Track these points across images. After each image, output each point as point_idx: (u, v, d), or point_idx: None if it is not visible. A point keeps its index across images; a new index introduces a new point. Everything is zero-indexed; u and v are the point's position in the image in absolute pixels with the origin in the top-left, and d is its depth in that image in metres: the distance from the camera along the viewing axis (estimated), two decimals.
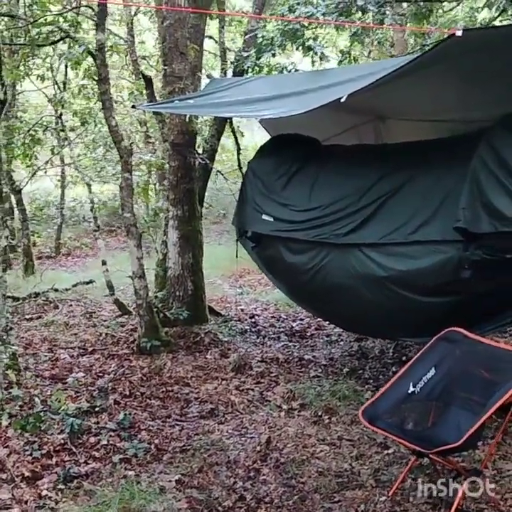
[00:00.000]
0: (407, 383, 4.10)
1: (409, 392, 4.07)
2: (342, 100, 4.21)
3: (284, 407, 5.40)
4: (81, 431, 4.79)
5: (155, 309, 6.98)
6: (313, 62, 6.78)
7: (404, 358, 6.61)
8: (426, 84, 4.94)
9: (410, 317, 4.84)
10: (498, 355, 4.03)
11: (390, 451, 4.56)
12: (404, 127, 6.51)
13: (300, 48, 6.63)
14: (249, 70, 7.41)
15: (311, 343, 7.32)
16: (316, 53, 6.58)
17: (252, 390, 5.82)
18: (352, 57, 7.21)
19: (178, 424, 5.13)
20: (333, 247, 5.15)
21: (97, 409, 5.25)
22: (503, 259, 4.16)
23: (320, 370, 6.29)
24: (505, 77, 4.35)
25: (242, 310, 8.80)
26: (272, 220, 5.65)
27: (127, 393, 5.67)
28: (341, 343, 7.30)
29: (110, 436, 4.81)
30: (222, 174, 7.90)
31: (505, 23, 7.10)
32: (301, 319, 8.28)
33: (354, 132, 6.97)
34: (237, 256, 6.43)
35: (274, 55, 6.96)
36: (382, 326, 5.19)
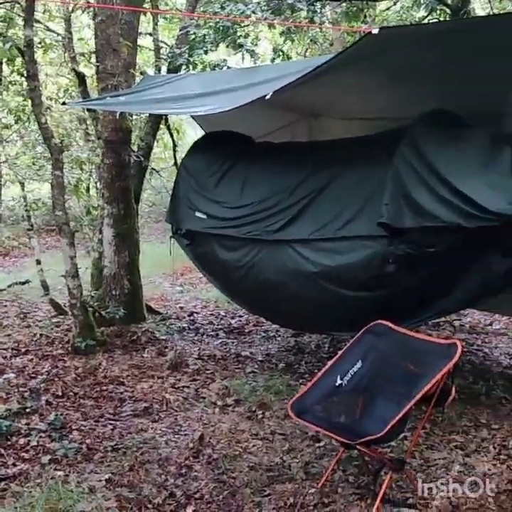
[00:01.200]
0: (335, 376, 4.16)
1: (337, 384, 4.14)
2: (267, 98, 4.25)
3: (219, 403, 5.41)
4: (10, 432, 4.70)
5: (90, 309, 6.90)
6: (243, 59, 6.80)
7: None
8: (354, 82, 5.03)
9: (341, 311, 4.91)
10: (422, 348, 4.12)
11: (321, 444, 4.62)
12: (335, 125, 6.60)
13: (231, 45, 6.64)
14: (183, 67, 7.39)
15: (249, 340, 7.36)
16: (247, 51, 6.61)
17: (188, 387, 5.81)
18: (285, 55, 7.27)
19: (110, 424, 5.08)
20: (264, 243, 5.19)
21: (27, 410, 5.15)
22: (427, 254, 4.26)
23: (256, 366, 6.32)
24: (427, 75, 4.45)
25: (181, 308, 8.79)
26: (205, 217, 5.65)
27: (60, 394, 5.58)
28: (278, 338, 7.35)
29: (40, 437, 4.73)
30: (158, 172, 7.86)
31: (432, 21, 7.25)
32: (240, 316, 8.31)
33: (289, 129, 7.02)
34: (170, 253, 6.40)
35: (206, 52, 6.96)
36: (316, 321, 5.26)
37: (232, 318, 8.28)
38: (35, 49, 6.23)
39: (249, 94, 4.79)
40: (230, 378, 5.94)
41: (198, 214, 5.70)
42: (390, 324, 4.21)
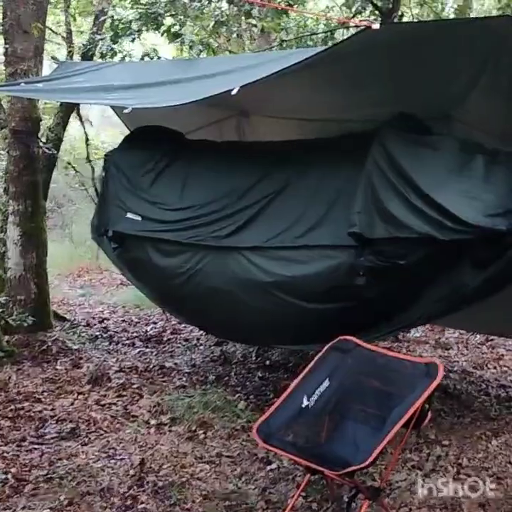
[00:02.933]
0: (301, 396, 3.86)
1: (304, 405, 3.83)
2: (233, 93, 3.89)
3: (153, 422, 4.97)
4: None
5: None
6: (182, 50, 6.35)
7: (267, 363, 6.47)
8: (300, 80, 4.74)
9: (296, 324, 4.61)
10: (389, 364, 3.90)
11: (273, 466, 4.33)
12: (269, 124, 6.31)
13: (165, 34, 6.18)
14: (103, 54, 6.83)
15: (169, 349, 6.93)
16: (183, 42, 6.17)
17: (115, 404, 5.31)
18: (212, 49, 6.91)
19: (36, 448, 4.52)
20: (210, 249, 4.80)
21: None
22: (395, 266, 4.06)
23: (184, 379, 5.92)
24: (392, 77, 4.27)
25: (88, 313, 8.18)
26: (139, 219, 5.18)
27: None
28: (201, 347, 6.98)
29: None
30: (73, 166, 7.23)
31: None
32: (155, 322, 7.86)
33: (215, 127, 6.66)
34: (97, 258, 5.85)
35: (133, 40, 6.46)
36: (264, 333, 4.92)
37: (146, 324, 7.81)
38: None
39: (202, 88, 4.41)
40: (160, 393, 5.50)
41: (130, 215, 5.22)
42: (357, 340, 3.96)
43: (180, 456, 4.43)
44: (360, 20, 6.19)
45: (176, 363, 6.36)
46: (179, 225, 4.96)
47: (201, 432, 4.78)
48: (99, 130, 14.24)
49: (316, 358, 4.03)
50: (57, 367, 6.14)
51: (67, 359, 6.34)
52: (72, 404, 5.30)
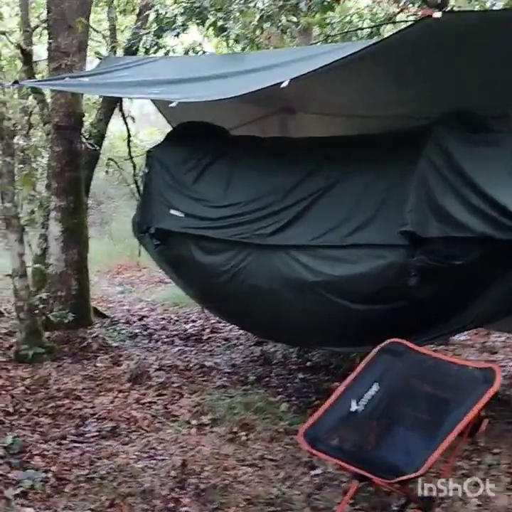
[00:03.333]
0: (349, 400, 3.72)
1: (352, 410, 3.69)
2: (283, 85, 3.77)
3: (194, 422, 4.88)
4: None
5: (36, 311, 6.20)
6: (228, 44, 6.26)
7: (308, 364, 6.34)
8: (349, 75, 4.60)
9: (342, 325, 4.48)
10: (442, 369, 3.75)
11: (318, 471, 4.20)
12: (314, 122, 6.20)
13: (210, 28, 6.10)
14: (147, 49, 6.77)
15: (209, 348, 6.85)
16: (228, 36, 6.07)
17: (155, 403, 5.24)
18: (256, 45, 6.80)
19: (76, 447, 4.46)
20: (254, 247, 4.70)
21: None
22: (449, 266, 3.90)
23: (225, 379, 5.83)
24: (450, 72, 4.11)
25: (127, 310, 8.15)
26: (182, 215, 5.10)
27: (11, 410, 4.91)
28: (241, 347, 6.88)
29: None
30: (116, 162, 7.20)
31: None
32: (194, 321, 7.79)
33: (258, 125, 6.56)
34: (139, 254, 5.79)
35: (178, 34, 6.39)
36: (308, 333, 4.80)
37: (186, 323, 7.74)
38: None
39: (249, 82, 4.31)
40: (200, 393, 5.42)
41: (173, 212, 5.15)
42: (407, 343, 3.82)
43: (222, 458, 4.33)
44: (413, 12, 6.00)
45: (215, 363, 6.27)
46: (223, 222, 4.87)
47: (243, 433, 4.68)
48: (137, 128, 14.20)
49: (364, 361, 3.89)
50: (97, 364, 6.10)
51: (107, 356, 6.30)
52: (112, 402, 5.24)
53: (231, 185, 4.93)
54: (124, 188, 16.16)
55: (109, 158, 7.20)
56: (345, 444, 3.63)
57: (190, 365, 6.15)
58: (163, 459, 4.32)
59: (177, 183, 5.18)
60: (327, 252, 4.38)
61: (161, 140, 5.67)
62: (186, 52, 6.80)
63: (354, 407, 3.71)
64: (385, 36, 3.88)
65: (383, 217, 4.17)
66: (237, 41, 6.04)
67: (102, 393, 5.42)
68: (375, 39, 7.18)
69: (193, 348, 6.78)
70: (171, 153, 5.36)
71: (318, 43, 7.43)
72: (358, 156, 4.48)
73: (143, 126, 15.90)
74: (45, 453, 4.29)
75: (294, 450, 4.42)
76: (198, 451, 4.41)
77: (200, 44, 6.69)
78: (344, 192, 4.41)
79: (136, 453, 4.39)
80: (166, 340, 7.05)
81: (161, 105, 6.50)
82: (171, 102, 4.50)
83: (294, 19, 7.37)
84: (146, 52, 6.84)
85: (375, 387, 3.77)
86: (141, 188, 5.74)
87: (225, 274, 4.91)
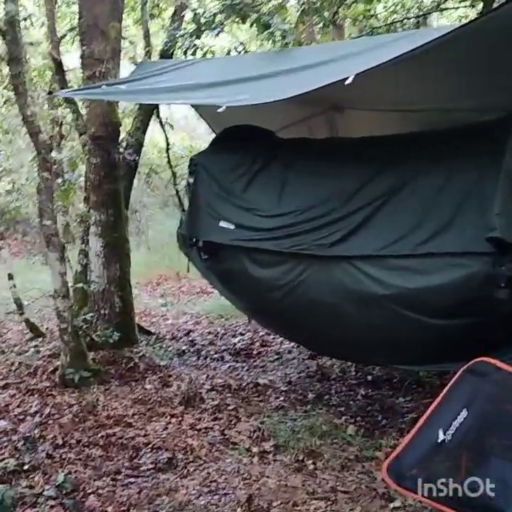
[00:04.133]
0: (436, 429, 3.33)
1: (439, 440, 3.31)
2: (347, 82, 3.39)
3: (255, 450, 4.52)
4: (13, 504, 3.71)
5: (80, 332, 5.90)
6: (273, 41, 5.88)
7: (369, 378, 5.94)
8: (405, 68, 4.17)
9: (415, 342, 4.07)
10: None
11: (397, 504, 3.80)
12: (365, 119, 5.79)
13: (254, 25, 5.74)
14: (185, 51, 6.44)
15: (261, 363, 6.49)
16: (272, 33, 5.70)
17: (211, 428, 4.90)
18: (298, 41, 6.41)
19: (132, 482, 4.13)
20: (314, 259, 4.32)
21: (26, 466, 4.20)
22: None
23: (282, 398, 5.46)
24: None
25: (172, 325, 7.82)
26: (232, 227, 4.75)
27: (60, 442, 4.62)
28: (294, 361, 6.51)
29: (51, 506, 3.77)
30: (157, 173, 6.88)
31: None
32: (242, 334, 7.43)
33: (304, 125, 6.20)
34: (188, 270, 5.44)
35: (218, 34, 6.05)
36: (373, 350, 4.40)
37: (233, 336, 7.39)
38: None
39: (307, 79, 3.93)
40: (258, 415, 5.05)
41: (222, 224, 4.80)
42: (496, 362, 3.40)
43: (290, 491, 3.96)
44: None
45: (270, 380, 5.90)
46: (278, 232, 4.50)
47: (310, 461, 4.31)
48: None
49: (449, 385, 3.49)
50: (146, 386, 5.78)
51: (156, 377, 5.98)
52: (165, 428, 4.91)
53: (285, 192, 4.56)
54: (158, 196, 16.00)
55: (151, 169, 6.87)
56: (434, 479, 3.25)
57: (244, 384, 5.80)
58: (226, 494, 3.97)
59: (225, 192, 4.84)
60: (398, 262, 3.97)
61: (206, 146, 5.31)
62: (228, 53, 6.44)
63: (441, 437, 3.32)
64: (467, 21, 3.45)
65: (461, 221, 3.75)
66: (283, 37, 5.66)
67: (154, 419, 5.10)
68: (422, 29, 6.76)
69: (244, 364, 6.42)
70: (217, 160, 5.02)
71: (363, 36, 7.01)
72: (426, 155, 4.07)
73: (174, 132, 15.66)
74: (100, 491, 3.98)
75: (368, 480, 4.05)
76: (263, 483, 4.06)
77: (242, 43, 6.32)
78: (413, 195, 3.99)
79: (197, 487, 4.05)
80: (215, 356, 6.70)
81: (203, 111, 6.18)
82: (218, 107, 4.12)
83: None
84: (184, 54, 6.51)
85: (463, 414, 3.37)
86: (186, 198, 5.40)
87: (281, 289, 4.54)
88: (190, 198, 5.09)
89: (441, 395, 3.47)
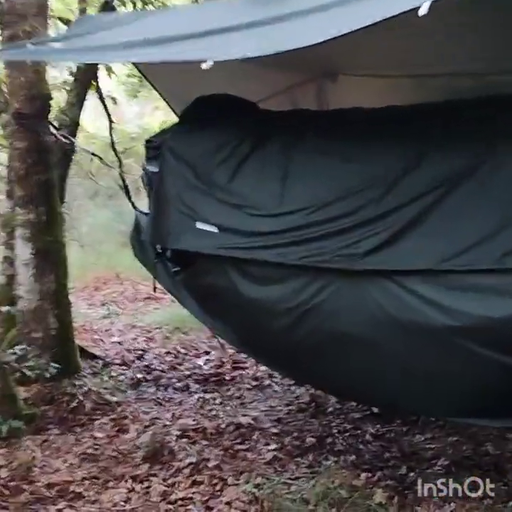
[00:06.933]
0: None
1: None
2: (421, 12, 2.17)
3: None
4: None
5: (6, 367, 4.55)
6: None
7: (375, 409, 4.81)
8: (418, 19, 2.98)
9: (497, 391, 2.91)
10: None
11: None
12: (364, 87, 4.66)
13: None
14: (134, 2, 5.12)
15: (237, 394, 5.28)
16: None
17: (190, 499, 3.67)
18: None
19: None
20: (338, 275, 3.11)
21: None
22: None
23: (274, 446, 4.28)
24: None
25: (120, 344, 6.49)
26: (214, 230, 3.52)
27: None
28: (277, 389, 5.34)
29: None
30: (101, 159, 5.51)
31: None
32: (207, 352, 6.21)
33: (286, 96, 5.03)
34: (154, 290, 4.14)
35: None
36: (431, 400, 3.21)
37: (197, 356, 6.14)
38: None
39: (314, 26, 2.71)
40: (249, 474, 3.86)
41: (200, 225, 3.56)
42: None
43: None
44: None
45: (254, 418, 4.71)
46: (282, 238, 3.28)
47: None
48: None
49: None
50: (96, 433, 4.49)
51: (107, 420, 4.70)
52: (127, 500, 3.69)
53: (289, 182, 3.34)
54: (87, 184, 14.41)
55: (93, 154, 5.51)
56: None
57: (222, 426, 4.58)
58: None
59: (204, 183, 3.59)
60: (472, 279, 2.79)
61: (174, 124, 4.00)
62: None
63: None
64: None
65: None
66: None
67: (111, 484, 3.86)
68: None
69: (216, 395, 5.20)
70: (190, 140, 3.75)
71: None
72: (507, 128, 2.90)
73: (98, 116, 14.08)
74: None
75: None
76: None
77: None
78: (491, 183, 2.82)
79: None
80: (178, 384, 5.45)
81: (157, 76, 4.94)
82: (202, 62, 2.83)
83: None
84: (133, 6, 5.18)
85: None
86: (148, 193, 4.13)
87: (286, 315, 3.33)
88: (155, 194, 3.81)
89: None
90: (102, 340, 6.55)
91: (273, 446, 4.26)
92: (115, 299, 8.58)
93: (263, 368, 5.60)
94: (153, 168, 4.01)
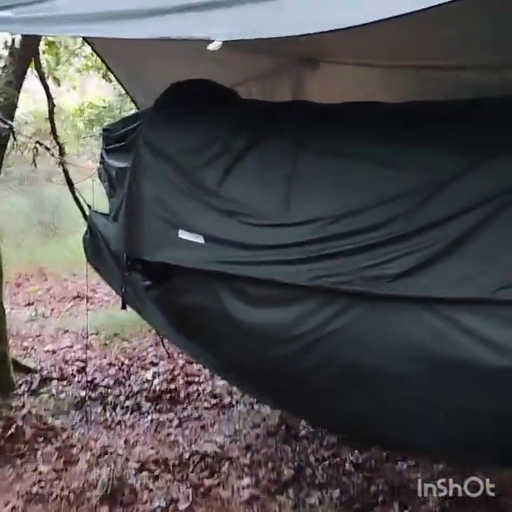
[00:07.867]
0: None
1: None
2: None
3: None
4: None
5: None
6: None
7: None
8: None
9: None
10: None
11: None
12: (348, 77, 4.21)
13: None
14: None
15: (195, 414, 4.76)
16: None
17: None
18: None
19: None
20: (360, 300, 2.62)
21: None
22: None
23: (249, 480, 3.83)
24: None
25: (54, 353, 5.82)
26: (200, 240, 2.98)
27: None
28: (241, 408, 4.85)
29: None
30: (48, 148, 4.76)
31: None
32: (154, 363, 5.64)
33: (256, 84, 4.55)
34: (123, 306, 3.52)
35: None
36: (473, 449, 2.77)
37: (144, 368, 5.55)
38: None
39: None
40: None
41: (183, 234, 3.00)
42: None
43: None
44: None
45: (220, 446, 4.22)
46: (290, 253, 2.76)
47: None
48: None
49: None
50: (41, 467, 3.90)
51: (52, 448, 4.10)
52: None
53: (298, 185, 2.83)
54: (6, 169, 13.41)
55: (37, 142, 4.78)
56: None
57: (185, 455, 4.07)
58: None
59: (189, 184, 3.03)
60: None
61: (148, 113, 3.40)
62: None
63: None
64: None
65: None
66: None
67: None
68: None
69: (172, 416, 4.68)
70: (171, 133, 3.18)
71: None
72: None
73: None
74: None
75: None
76: None
77: None
78: None
79: None
80: (127, 403, 4.87)
81: (114, 61, 4.34)
82: (209, 42, 2.28)
83: None
84: None
85: None
86: (108, 191, 3.54)
87: (292, 343, 2.83)
88: (126, 194, 3.21)
89: None
90: (33, 349, 5.85)
91: (247, 481, 3.80)
92: (41, 297, 7.82)
93: (220, 382, 5.11)
94: (118, 163, 3.43)
